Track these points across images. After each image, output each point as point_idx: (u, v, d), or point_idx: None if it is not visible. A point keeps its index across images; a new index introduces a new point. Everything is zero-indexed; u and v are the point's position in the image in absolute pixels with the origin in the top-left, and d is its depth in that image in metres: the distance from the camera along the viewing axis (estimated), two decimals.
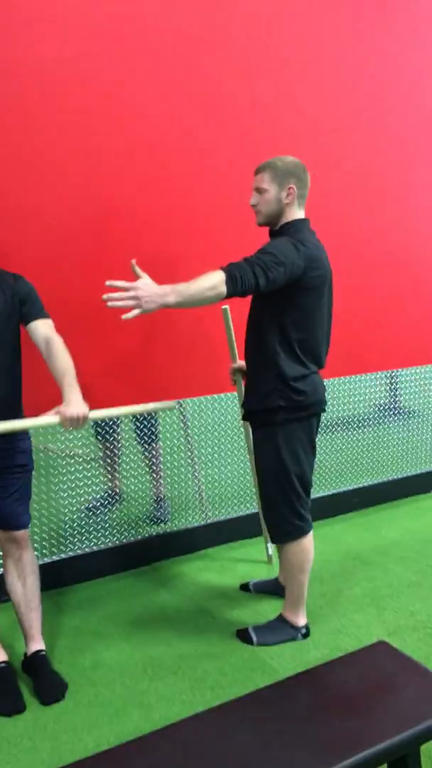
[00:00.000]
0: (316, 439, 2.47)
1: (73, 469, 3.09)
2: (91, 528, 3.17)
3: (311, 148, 2.91)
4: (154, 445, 3.33)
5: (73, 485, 3.11)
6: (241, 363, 2.70)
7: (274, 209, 2.34)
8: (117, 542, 3.23)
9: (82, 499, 3.15)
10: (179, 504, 3.42)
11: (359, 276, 3.32)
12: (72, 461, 3.09)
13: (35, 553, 2.46)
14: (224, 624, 2.73)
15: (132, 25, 2.56)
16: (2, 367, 2.19)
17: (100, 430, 3.21)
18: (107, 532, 3.21)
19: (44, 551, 3.06)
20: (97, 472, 3.19)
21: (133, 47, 2.58)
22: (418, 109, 3.39)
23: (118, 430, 3.24)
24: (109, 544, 3.21)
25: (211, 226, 2.86)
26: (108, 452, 3.24)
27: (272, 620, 2.64)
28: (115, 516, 3.24)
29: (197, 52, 2.72)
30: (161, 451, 3.35)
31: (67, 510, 3.11)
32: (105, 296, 1.92)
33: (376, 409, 4.09)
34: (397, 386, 4.12)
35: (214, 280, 2.04)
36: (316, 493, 2.60)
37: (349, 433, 3.95)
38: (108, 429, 3.22)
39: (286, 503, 2.44)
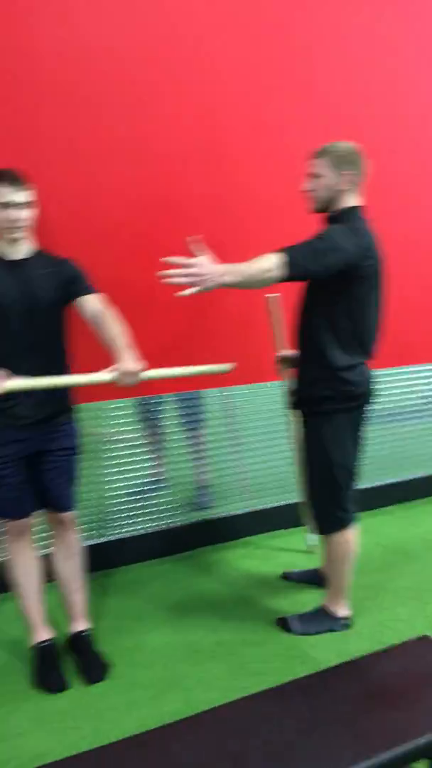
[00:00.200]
0: (364, 430, 2.44)
1: (120, 453, 3.13)
2: (137, 512, 3.21)
3: (370, 135, 2.84)
4: (198, 431, 3.34)
5: (121, 469, 3.15)
6: (287, 352, 2.69)
7: (329, 195, 2.28)
8: (162, 526, 3.27)
9: (129, 484, 3.18)
10: (223, 491, 3.43)
11: (413, 265, 3.25)
12: (119, 445, 3.13)
13: (83, 534, 2.50)
14: (265, 612, 2.73)
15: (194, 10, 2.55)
16: (51, 356, 2.22)
17: (146, 415, 3.24)
18: (153, 516, 3.25)
19: (93, 532, 3.11)
20: (144, 457, 3.22)
21: (187, 34, 2.57)
22: None
23: (162, 416, 3.26)
24: (155, 528, 3.25)
25: (267, 211, 2.83)
26: (153, 437, 3.26)
27: (314, 610, 2.63)
28: (160, 501, 3.27)
29: (259, 37, 2.70)
30: (205, 438, 3.36)
31: (114, 493, 3.15)
32: (163, 272, 1.89)
33: (425, 401, 4.01)
34: None
35: (270, 263, 2.02)
36: (361, 484, 2.57)
37: (396, 425, 3.89)
38: (153, 414, 3.24)
39: (330, 494, 2.42)
